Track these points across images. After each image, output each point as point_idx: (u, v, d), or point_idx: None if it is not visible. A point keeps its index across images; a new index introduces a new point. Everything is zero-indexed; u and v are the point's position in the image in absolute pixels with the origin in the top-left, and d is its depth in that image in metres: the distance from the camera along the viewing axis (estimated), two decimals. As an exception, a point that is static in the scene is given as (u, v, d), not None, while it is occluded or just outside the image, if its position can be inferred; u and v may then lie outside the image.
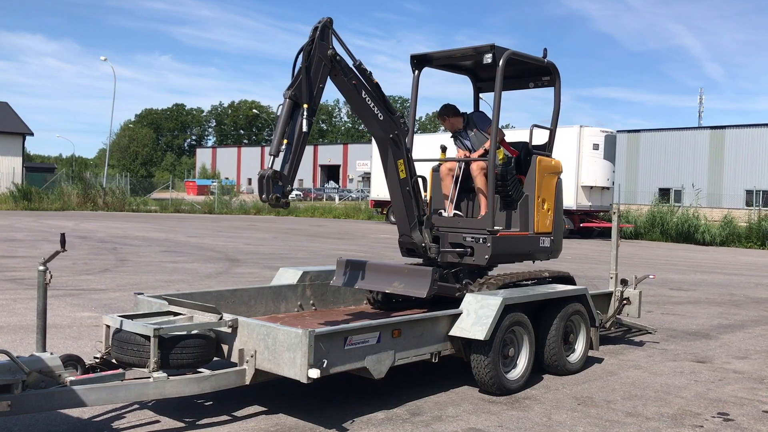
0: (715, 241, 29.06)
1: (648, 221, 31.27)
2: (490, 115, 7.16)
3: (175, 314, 5.38)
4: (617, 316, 7.66)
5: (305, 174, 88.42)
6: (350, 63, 5.70)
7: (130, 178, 50.43)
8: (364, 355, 5.03)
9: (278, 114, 5.22)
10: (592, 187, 29.54)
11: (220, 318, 5.00)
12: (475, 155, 7.01)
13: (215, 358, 5.09)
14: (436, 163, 7.49)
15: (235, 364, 4.98)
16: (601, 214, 29.89)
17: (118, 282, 11.46)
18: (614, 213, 7.80)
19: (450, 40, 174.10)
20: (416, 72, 7.28)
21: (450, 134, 7.44)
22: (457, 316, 5.74)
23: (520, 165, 6.99)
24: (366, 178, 79.85)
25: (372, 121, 5.93)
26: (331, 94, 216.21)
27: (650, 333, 8.28)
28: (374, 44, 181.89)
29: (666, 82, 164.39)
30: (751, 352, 7.68)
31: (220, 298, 6.44)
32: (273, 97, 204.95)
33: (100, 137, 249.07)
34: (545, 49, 7.04)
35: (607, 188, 30.16)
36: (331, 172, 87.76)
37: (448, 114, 7.19)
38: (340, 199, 62.12)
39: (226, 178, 67.11)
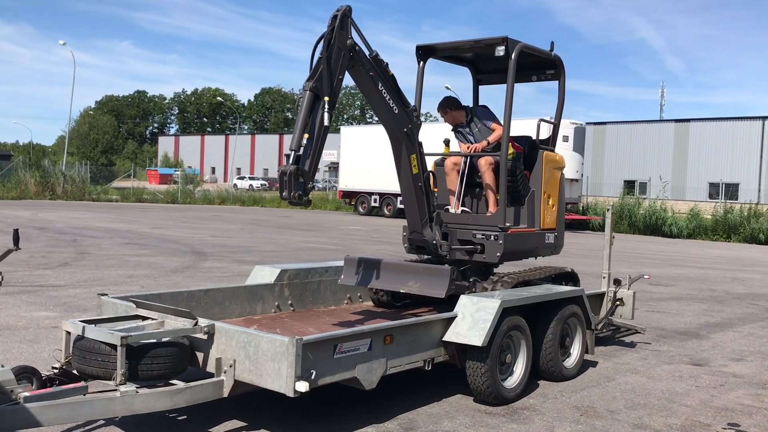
0: (682, 233, 29.23)
1: (616, 213, 31.33)
2: (491, 108, 6.95)
3: (144, 318, 4.88)
4: (609, 317, 7.34)
5: (270, 163, 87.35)
6: (367, 53, 5.45)
7: (91, 167, 49.04)
8: (355, 364, 4.59)
9: (298, 107, 4.94)
10: (571, 181, 29.47)
11: (195, 323, 4.51)
12: (478, 146, 6.69)
13: (188, 367, 4.61)
14: (438, 157, 7.22)
15: (211, 375, 4.50)
16: (570, 206, 29.85)
17: (78, 277, 10.82)
18: (608, 210, 7.45)
19: (415, 30, 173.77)
20: (421, 63, 7.08)
21: (450, 128, 7.09)
22: (451, 320, 5.33)
23: (525, 160, 6.73)
24: (332, 168, 79.10)
25: (387, 115, 5.69)
26: (299, 82, 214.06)
27: (640, 333, 7.99)
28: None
29: (628, 75, 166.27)
30: (745, 354, 7.43)
31: (192, 299, 5.94)
32: (237, 85, 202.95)
33: (59, 124, 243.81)
34: (552, 43, 6.85)
35: (577, 180, 30.14)
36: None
37: (450, 107, 6.87)
38: (306, 190, 61.32)
39: (189, 167, 65.88)
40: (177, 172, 56.94)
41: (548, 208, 6.97)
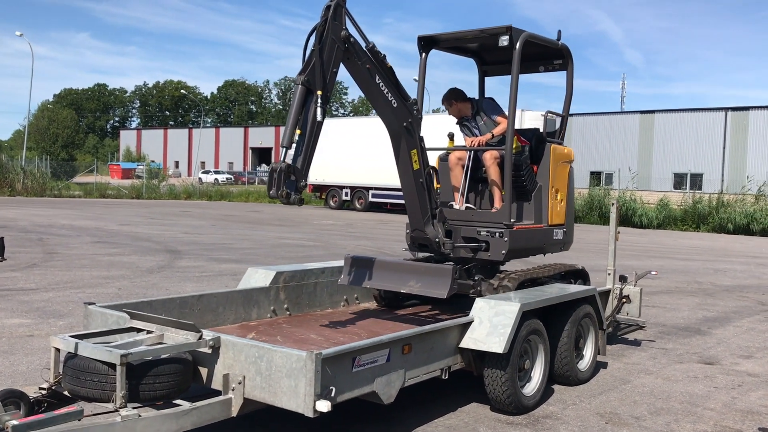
0: (652, 223, 29.41)
1: (586, 205, 31.43)
2: (497, 101, 6.66)
3: (138, 330, 4.47)
4: (615, 316, 7.11)
5: (235, 157, 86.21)
6: (363, 45, 5.18)
7: (51, 162, 47.69)
8: (374, 377, 4.25)
9: (290, 102, 4.76)
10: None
11: (200, 337, 4.12)
12: (482, 140, 6.39)
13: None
14: (442, 152, 6.94)
15: (217, 392, 4.12)
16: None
17: (49, 280, 10.26)
18: (612, 204, 7.21)
19: (377, 22, 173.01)
20: (423, 54, 6.79)
21: (455, 121, 6.78)
22: (467, 325, 5.01)
23: (532, 154, 6.45)
24: (298, 161, 78.42)
25: (385, 109, 5.41)
26: (262, 74, 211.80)
27: (642, 328, 7.77)
28: (301, 24, 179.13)
29: (588, 68, 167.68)
30: (752, 350, 7.26)
31: (185, 306, 5.54)
32: (199, 78, 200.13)
33: (16, 118, 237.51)
34: (559, 32, 6.59)
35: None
36: (263, 155, 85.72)
37: (455, 99, 6.55)
38: (273, 183, 60.42)
39: (153, 161, 64.51)
40: (140, 167, 55.72)
41: (556, 203, 6.71)
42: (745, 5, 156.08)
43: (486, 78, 7.51)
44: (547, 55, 6.85)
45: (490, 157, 6.36)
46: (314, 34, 4.88)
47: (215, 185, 51.02)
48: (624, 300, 7.04)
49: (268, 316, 6.21)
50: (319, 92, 4.77)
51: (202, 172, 68.39)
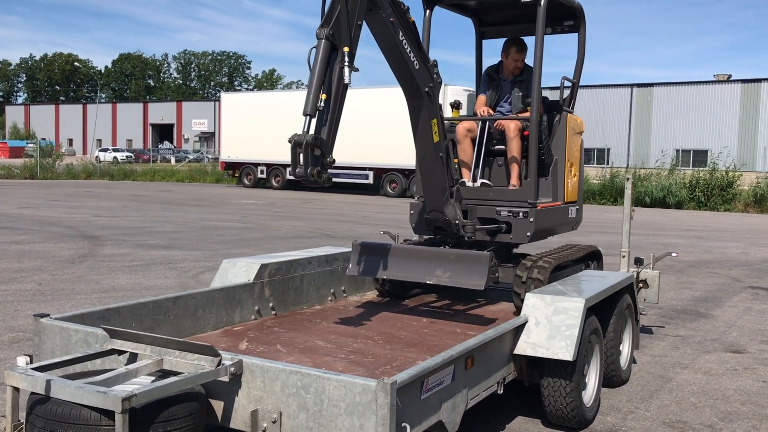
0: (572, 198, 29.61)
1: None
2: None
3: (119, 353, 3.36)
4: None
5: (134, 134, 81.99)
6: None
7: (-71, 139, 43.52)
8: (440, 402, 3.33)
9: (310, 61, 3.97)
10: (456, 147, 28.92)
11: (219, 362, 3.06)
12: (503, 122, 5.63)
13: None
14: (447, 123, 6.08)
15: (237, 433, 3.10)
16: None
17: (-49, 275, 8.71)
18: (627, 179, 6.52)
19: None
20: (427, 12, 5.94)
21: (487, 77, 6.06)
22: (520, 327, 4.16)
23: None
24: (203, 138, 75.60)
25: (406, 71, 4.60)
26: (159, 48, 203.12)
27: (643, 314, 7.17)
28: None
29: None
30: (767, 333, 6.78)
31: (159, 311, 4.42)
32: (91, 51, 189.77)
33: None
34: None
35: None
36: (164, 132, 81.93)
37: (522, 49, 5.84)
38: (177, 161, 57.81)
39: (44, 139, 60.13)
40: (31, 145, 51.90)
41: (571, 178, 6.01)
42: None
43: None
44: (559, 15, 6.06)
45: (514, 128, 5.57)
46: None
47: (115, 164, 48.10)
48: (641, 285, 6.39)
49: (252, 317, 5.15)
50: (345, 49, 3.99)
51: (100, 150, 64.38)
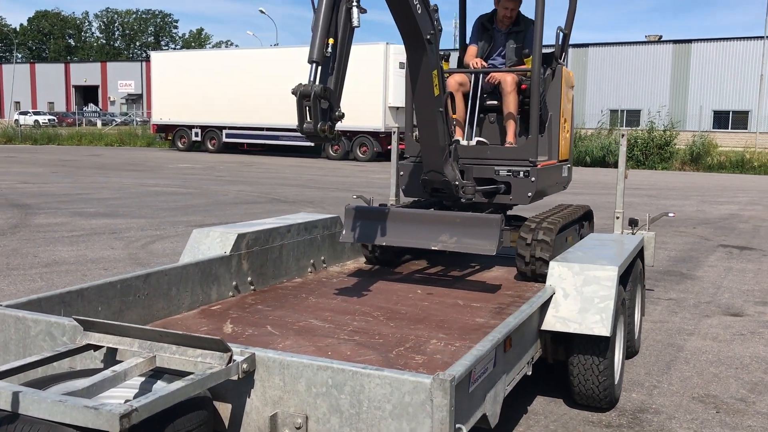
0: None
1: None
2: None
3: (95, 348, 2.76)
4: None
5: (56, 96, 78.05)
6: None
7: None
8: (484, 393, 2.86)
9: (314, 2, 3.58)
10: (398, 108, 28.36)
11: (230, 359, 2.50)
12: (497, 76, 5.13)
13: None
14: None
15: (248, 441, 2.57)
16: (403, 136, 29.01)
17: None
18: (623, 137, 6.13)
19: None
20: None
21: (480, 28, 5.60)
22: (546, 300, 3.72)
23: None
24: (130, 100, 72.62)
25: (408, 17, 4.11)
26: (79, 5, 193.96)
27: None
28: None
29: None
30: (759, 295, 6.60)
31: (128, 291, 3.80)
32: (3, 8, 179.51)
33: None
34: None
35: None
36: (88, 94, 78.23)
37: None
38: (104, 125, 55.33)
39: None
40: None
41: (564, 135, 5.65)
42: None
43: None
44: None
45: (511, 82, 5.14)
46: None
47: (37, 128, 45.63)
48: (636, 247, 6.06)
49: (231, 294, 4.57)
50: None
51: (19, 113, 61.07)
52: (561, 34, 5.60)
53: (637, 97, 46.91)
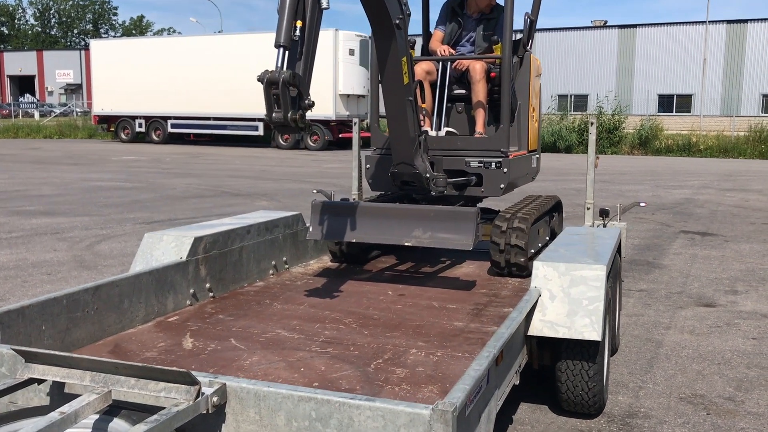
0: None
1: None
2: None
3: (39, 382, 2.42)
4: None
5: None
6: None
7: None
8: (479, 414, 2.61)
9: None
10: (349, 96, 28.00)
11: (198, 392, 2.19)
12: (464, 63, 4.91)
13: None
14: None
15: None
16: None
17: None
18: (591, 124, 5.95)
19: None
20: None
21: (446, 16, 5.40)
22: (532, 304, 3.49)
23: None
24: (69, 90, 70.32)
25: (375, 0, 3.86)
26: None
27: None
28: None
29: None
30: (728, 283, 6.54)
31: (76, 307, 3.43)
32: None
33: None
34: None
35: (363, 96, 28.85)
36: (24, 84, 75.44)
37: None
38: (42, 116, 53.42)
39: None
40: None
41: (533, 125, 5.48)
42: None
43: None
44: None
45: (480, 70, 4.93)
46: None
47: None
48: (607, 238, 5.90)
49: (188, 303, 4.22)
50: None
51: (-49, 105, 58.61)
52: (528, 21, 5.41)
53: (585, 82, 47.41)
